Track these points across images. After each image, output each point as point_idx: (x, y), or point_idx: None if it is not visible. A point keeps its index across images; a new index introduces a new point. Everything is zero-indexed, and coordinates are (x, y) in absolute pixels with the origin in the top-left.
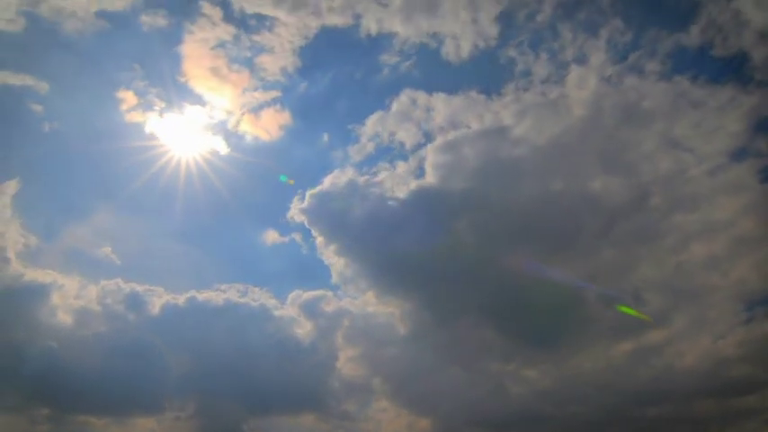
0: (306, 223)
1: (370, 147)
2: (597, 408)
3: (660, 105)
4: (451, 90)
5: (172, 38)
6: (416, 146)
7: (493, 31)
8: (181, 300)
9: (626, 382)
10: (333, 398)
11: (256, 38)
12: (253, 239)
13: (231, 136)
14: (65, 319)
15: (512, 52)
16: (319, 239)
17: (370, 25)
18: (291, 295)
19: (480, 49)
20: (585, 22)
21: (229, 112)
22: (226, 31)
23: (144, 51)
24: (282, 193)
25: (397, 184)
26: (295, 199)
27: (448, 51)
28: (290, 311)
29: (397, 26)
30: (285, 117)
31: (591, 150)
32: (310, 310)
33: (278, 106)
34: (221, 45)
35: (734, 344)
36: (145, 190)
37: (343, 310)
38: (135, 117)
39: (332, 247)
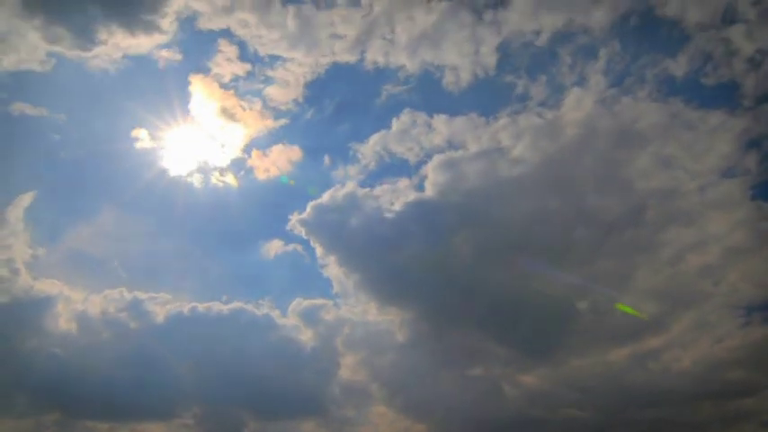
0: (304, 234)
1: (372, 164)
2: (595, 412)
3: (654, 126)
4: (452, 113)
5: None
6: (417, 163)
7: (492, 60)
8: (185, 308)
9: (624, 386)
10: (333, 403)
11: (270, 73)
12: (256, 250)
13: (239, 168)
14: (73, 327)
15: (510, 78)
16: (319, 250)
17: (377, 59)
18: (293, 304)
19: (480, 78)
20: (584, 48)
21: (239, 147)
22: (241, 68)
23: (159, 87)
24: (285, 205)
25: (397, 198)
26: (295, 212)
27: (449, 81)
28: (291, 320)
29: (403, 59)
30: (295, 151)
31: (587, 168)
32: (311, 318)
33: (285, 141)
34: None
35: (731, 348)
36: (152, 209)
37: (343, 318)
38: (146, 144)
39: (332, 258)
